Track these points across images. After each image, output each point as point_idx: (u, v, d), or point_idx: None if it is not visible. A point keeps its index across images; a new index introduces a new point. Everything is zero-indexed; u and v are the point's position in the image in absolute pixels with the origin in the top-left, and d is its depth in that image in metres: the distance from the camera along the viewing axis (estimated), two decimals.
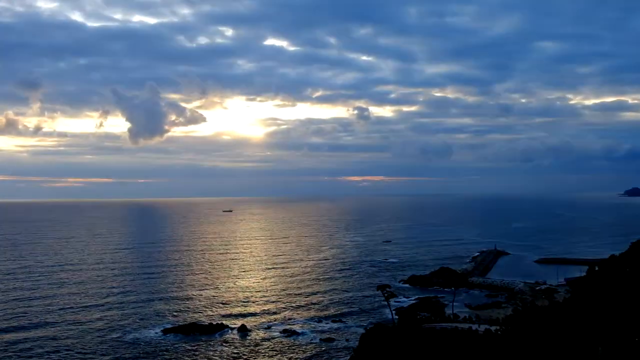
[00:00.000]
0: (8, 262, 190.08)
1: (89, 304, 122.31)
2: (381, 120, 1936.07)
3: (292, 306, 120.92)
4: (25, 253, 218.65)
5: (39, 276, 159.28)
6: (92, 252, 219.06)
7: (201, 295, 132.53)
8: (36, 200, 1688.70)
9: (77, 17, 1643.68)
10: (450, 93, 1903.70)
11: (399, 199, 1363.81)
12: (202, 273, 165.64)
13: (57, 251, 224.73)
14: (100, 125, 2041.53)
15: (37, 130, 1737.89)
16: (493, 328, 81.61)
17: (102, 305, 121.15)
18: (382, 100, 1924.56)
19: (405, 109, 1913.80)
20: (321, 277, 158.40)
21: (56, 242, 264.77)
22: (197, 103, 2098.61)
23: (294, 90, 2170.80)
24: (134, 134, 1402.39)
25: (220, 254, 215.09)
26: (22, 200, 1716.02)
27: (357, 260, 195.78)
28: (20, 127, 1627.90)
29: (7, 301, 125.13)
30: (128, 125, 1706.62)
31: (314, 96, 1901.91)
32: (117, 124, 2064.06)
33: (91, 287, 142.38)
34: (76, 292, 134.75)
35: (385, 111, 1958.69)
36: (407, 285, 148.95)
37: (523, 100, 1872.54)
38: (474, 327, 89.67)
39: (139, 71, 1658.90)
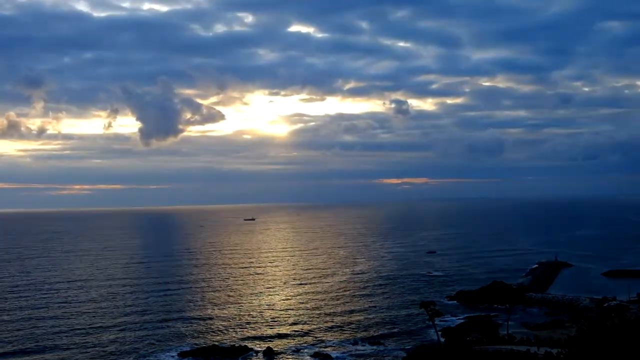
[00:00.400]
0: (12, 279, 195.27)
1: (99, 324, 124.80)
2: (422, 115, 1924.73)
3: (324, 326, 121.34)
4: (29, 268, 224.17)
5: (45, 294, 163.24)
6: (102, 267, 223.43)
7: (222, 314, 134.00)
8: (40, 209, 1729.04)
9: (82, 6, 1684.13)
10: (500, 82, 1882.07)
11: (443, 204, 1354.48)
12: (223, 289, 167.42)
13: (64, 266, 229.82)
14: (109, 125, 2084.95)
15: (40, 133, 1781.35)
16: (554, 351, 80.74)
17: (114, 326, 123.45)
18: (422, 91, 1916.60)
19: (450, 101, 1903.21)
20: (356, 294, 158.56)
21: (63, 256, 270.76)
22: (214, 99, 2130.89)
23: (322, 83, 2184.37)
24: (145, 134, 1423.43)
25: (242, 267, 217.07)
26: (24, 210, 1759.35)
27: (397, 274, 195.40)
28: (22, 129, 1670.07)
29: (11, 321, 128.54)
30: (139, 125, 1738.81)
31: (345, 88, 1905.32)
32: (127, 124, 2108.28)
33: (102, 305, 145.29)
34: (86, 312, 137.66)
35: (427, 104, 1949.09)
36: (454, 302, 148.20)
37: (586, 89, 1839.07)
38: (533, 349, 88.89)
39: (150, 65, 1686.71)
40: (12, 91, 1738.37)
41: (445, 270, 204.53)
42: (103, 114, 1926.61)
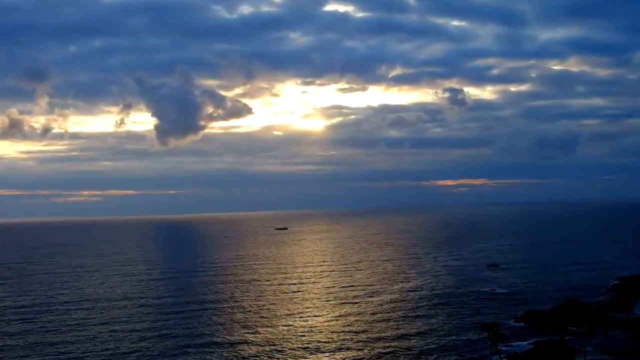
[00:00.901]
0: (15, 298, 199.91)
1: (114, 350, 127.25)
2: (481, 105, 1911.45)
3: (371, 353, 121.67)
4: (34, 286, 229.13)
5: (53, 315, 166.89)
6: (116, 284, 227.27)
7: (253, 338, 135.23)
8: (45, 218, 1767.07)
9: None
10: (573, 66, 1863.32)
11: (506, 209, 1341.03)
12: (254, 310, 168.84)
13: (72, 283, 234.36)
14: (121, 122, 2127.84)
15: (45, 132, 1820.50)
16: None
17: (131, 352, 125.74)
18: (481, 78, 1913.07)
19: (514, 88, 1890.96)
20: (408, 315, 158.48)
21: (71, 272, 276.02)
22: (240, 90, 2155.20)
23: (364, 70, 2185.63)
24: (161, 132, 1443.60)
25: (275, 285, 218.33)
26: (28, 219, 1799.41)
27: (454, 291, 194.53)
28: (25, 128, 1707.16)
29: (17, 347, 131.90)
30: (154, 121, 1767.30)
31: (390, 76, 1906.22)
32: (141, 120, 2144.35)
33: (116, 329, 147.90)
34: (98, 336, 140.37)
35: (487, 92, 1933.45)
36: (521, 324, 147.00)
37: None
38: None
39: (167, 52, 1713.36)
40: (14, 85, 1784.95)
41: (511, 286, 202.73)
42: (114, 109, 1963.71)
